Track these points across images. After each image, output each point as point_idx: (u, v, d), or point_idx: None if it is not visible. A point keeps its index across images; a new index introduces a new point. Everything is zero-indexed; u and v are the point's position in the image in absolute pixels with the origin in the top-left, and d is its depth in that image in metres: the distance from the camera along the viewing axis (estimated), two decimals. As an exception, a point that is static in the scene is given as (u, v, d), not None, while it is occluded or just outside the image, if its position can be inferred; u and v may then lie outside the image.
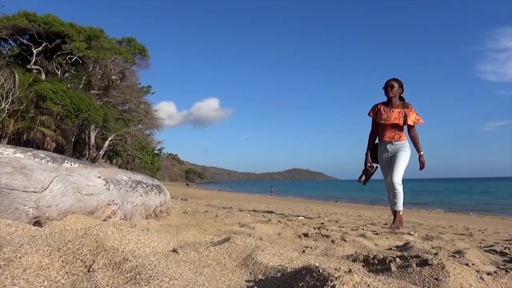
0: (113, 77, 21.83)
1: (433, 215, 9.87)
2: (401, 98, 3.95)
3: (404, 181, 3.80)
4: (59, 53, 19.77)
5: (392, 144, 3.87)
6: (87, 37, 19.99)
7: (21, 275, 0.81)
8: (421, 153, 3.84)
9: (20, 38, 19.64)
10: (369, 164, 4.02)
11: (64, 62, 20.18)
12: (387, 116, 3.85)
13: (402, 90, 3.92)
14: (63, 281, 0.85)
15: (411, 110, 3.81)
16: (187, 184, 56.80)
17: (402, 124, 3.81)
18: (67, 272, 0.89)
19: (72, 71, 20.90)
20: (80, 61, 19.79)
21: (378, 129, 3.98)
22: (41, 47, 19.43)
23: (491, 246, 2.37)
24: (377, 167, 4.05)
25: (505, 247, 2.14)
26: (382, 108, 3.92)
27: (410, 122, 3.79)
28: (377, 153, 4.00)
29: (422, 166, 3.84)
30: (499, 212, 13.98)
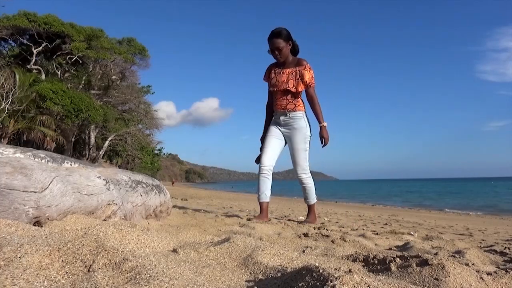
0: (113, 77, 21.86)
1: (433, 215, 9.88)
2: (294, 52, 3.09)
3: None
4: (59, 53, 19.80)
5: (286, 115, 3.07)
6: (87, 37, 20.03)
7: (21, 275, 0.81)
8: (323, 124, 3.02)
9: (20, 38, 19.67)
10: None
11: (64, 62, 20.21)
12: (276, 81, 3.05)
13: (292, 42, 3.04)
14: (63, 281, 0.85)
15: (305, 67, 2.99)
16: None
17: (294, 90, 3.00)
18: (67, 272, 0.89)
19: (72, 71, 20.92)
20: (80, 61, 19.82)
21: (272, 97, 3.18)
22: (41, 47, 19.46)
23: (491, 246, 2.37)
24: None
25: (505, 247, 2.14)
26: (273, 71, 3.11)
27: (303, 83, 2.98)
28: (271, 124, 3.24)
29: (323, 142, 3.03)
30: (499, 212, 13.99)
